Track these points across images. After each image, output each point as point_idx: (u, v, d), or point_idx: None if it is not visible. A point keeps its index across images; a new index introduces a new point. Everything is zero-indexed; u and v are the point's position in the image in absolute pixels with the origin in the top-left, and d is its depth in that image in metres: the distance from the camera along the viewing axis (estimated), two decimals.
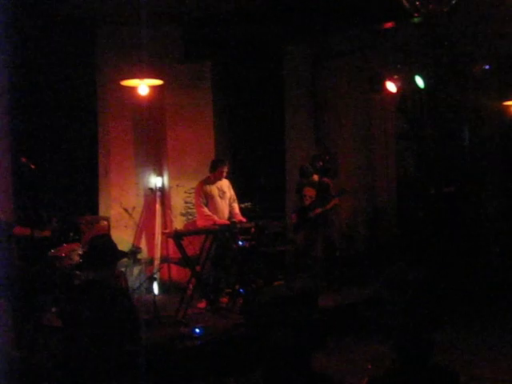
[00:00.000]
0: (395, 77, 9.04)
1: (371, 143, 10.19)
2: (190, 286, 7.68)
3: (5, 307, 3.51)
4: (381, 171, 10.16)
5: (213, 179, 8.13)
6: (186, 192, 9.39)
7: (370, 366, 5.54)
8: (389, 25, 8.70)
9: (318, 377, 3.61)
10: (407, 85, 9.20)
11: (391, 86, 9.07)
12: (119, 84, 8.19)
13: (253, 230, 7.98)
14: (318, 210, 8.75)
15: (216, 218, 7.91)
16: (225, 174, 8.14)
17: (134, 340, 4.40)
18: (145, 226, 9.50)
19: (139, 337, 4.54)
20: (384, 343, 6.30)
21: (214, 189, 8.09)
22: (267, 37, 8.85)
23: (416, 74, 9.02)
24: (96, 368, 4.03)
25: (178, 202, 9.44)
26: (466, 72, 9.33)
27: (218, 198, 8.11)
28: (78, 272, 7.27)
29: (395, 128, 10.07)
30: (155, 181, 9.54)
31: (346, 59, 9.96)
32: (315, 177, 9.03)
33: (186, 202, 9.44)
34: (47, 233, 7.41)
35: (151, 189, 9.52)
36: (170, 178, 9.45)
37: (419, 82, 9.03)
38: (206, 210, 7.96)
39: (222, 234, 7.84)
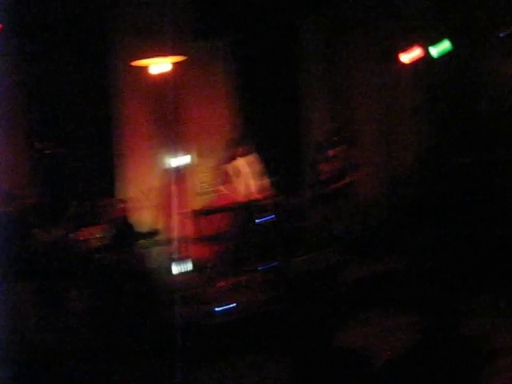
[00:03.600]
0: (411, 48, 8.92)
1: (388, 115, 10.09)
2: (210, 265, 7.70)
3: (26, 291, 3.51)
4: (399, 143, 10.07)
5: (230, 158, 8.10)
6: (203, 172, 9.36)
7: (394, 338, 5.53)
8: None
9: (344, 351, 3.60)
10: (423, 55, 9.08)
11: (407, 58, 8.96)
12: (133, 64, 8.15)
13: (271, 206, 7.95)
14: (335, 185, 8.69)
15: (234, 195, 7.90)
16: (241, 153, 8.11)
17: (156, 320, 4.41)
18: (162, 207, 9.49)
19: (161, 316, 4.56)
20: (408, 315, 6.29)
21: (231, 167, 8.08)
22: (282, 10, 8.75)
23: (432, 43, 8.89)
24: (120, 349, 4.05)
25: (195, 181, 9.42)
26: (483, 38, 9.18)
27: (236, 177, 8.10)
28: (97, 255, 7.32)
29: (412, 99, 9.95)
30: (172, 161, 9.52)
31: (361, 31, 9.84)
32: (331, 152, 8.96)
33: (203, 182, 9.41)
34: (60, 231, 7.47)
35: (168, 169, 9.51)
36: (187, 157, 9.42)
37: (435, 51, 8.91)
38: (223, 188, 7.94)
39: (241, 212, 7.83)
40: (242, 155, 8.20)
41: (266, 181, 8.72)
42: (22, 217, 7.55)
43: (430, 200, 9.57)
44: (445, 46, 8.80)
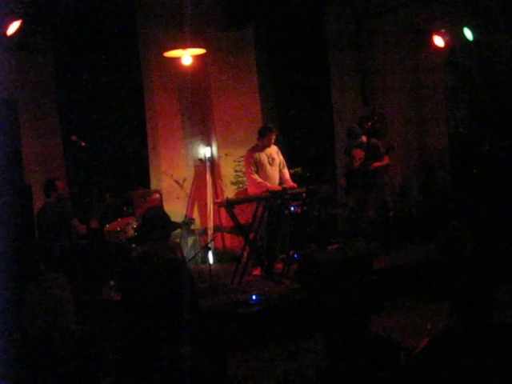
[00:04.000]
0: (442, 30, 8.77)
1: (421, 100, 9.94)
2: (245, 254, 7.73)
3: (63, 282, 3.58)
4: (432, 129, 9.92)
5: (261, 146, 8.09)
6: (235, 161, 9.39)
7: (429, 326, 5.48)
8: None
9: (376, 339, 3.60)
10: (456, 38, 8.93)
11: (439, 41, 8.82)
12: (163, 56, 8.20)
13: (304, 194, 7.93)
14: (377, 164, 8.60)
15: (268, 184, 7.91)
16: (273, 141, 8.10)
17: (192, 309, 4.45)
18: (196, 197, 9.57)
19: (197, 306, 4.60)
20: (441, 303, 6.24)
21: (263, 156, 8.06)
22: None
23: (464, 25, 8.74)
24: (155, 339, 4.11)
25: (227, 171, 9.46)
26: None
27: (268, 165, 8.08)
28: (133, 245, 7.41)
29: (445, 83, 9.79)
30: (204, 151, 9.57)
31: (390, 16, 9.68)
32: (364, 138, 8.87)
33: (236, 171, 9.44)
34: (94, 223, 7.59)
35: (200, 159, 9.57)
36: (219, 147, 9.46)
37: (468, 34, 8.76)
38: (257, 177, 7.95)
39: (274, 201, 7.83)
40: (275, 143, 8.18)
41: (297, 169, 8.70)
42: (61, 208, 7.70)
43: (465, 186, 9.45)
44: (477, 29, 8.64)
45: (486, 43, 9.39)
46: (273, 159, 8.13)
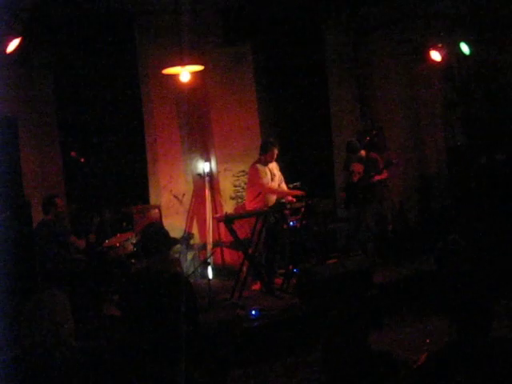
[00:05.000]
0: (439, 45, 8.83)
1: (418, 114, 10.01)
2: (244, 269, 7.72)
3: (63, 298, 3.58)
4: (429, 142, 9.98)
5: (264, 161, 8.05)
6: (234, 176, 9.40)
7: (428, 341, 5.48)
8: None
9: (375, 353, 3.60)
10: (452, 52, 8.99)
11: (436, 55, 8.87)
12: (161, 72, 8.24)
13: (303, 209, 7.95)
14: (378, 177, 8.62)
15: (286, 188, 7.97)
16: (276, 156, 8.08)
17: (192, 324, 4.45)
18: (195, 212, 9.58)
19: (197, 321, 4.60)
20: (441, 317, 6.24)
21: (267, 170, 8.05)
22: (306, 13, 8.73)
23: (461, 40, 8.80)
24: (155, 354, 4.10)
25: (226, 186, 9.47)
26: None
27: (270, 181, 8.08)
28: (133, 260, 7.41)
29: (442, 97, 9.86)
30: (203, 166, 9.59)
31: (387, 30, 9.76)
32: (363, 152, 8.91)
33: (235, 186, 9.45)
34: (93, 237, 7.57)
35: (199, 174, 9.58)
36: (218, 162, 9.48)
37: (465, 48, 8.82)
38: (272, 184, 7.96)
39: (273, 216, 7.84)
40: (276, 158, 8.17)
41: (296, 184, 8.72)
42: (58, 227, 7.67)
43: (462, 199, 9.46)
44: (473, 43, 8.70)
45: (482, 57, 9.46)
46: (274, 175, 8.14)
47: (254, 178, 8.12)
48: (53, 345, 3.43)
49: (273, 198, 8.06)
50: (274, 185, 8.09)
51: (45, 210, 7.60)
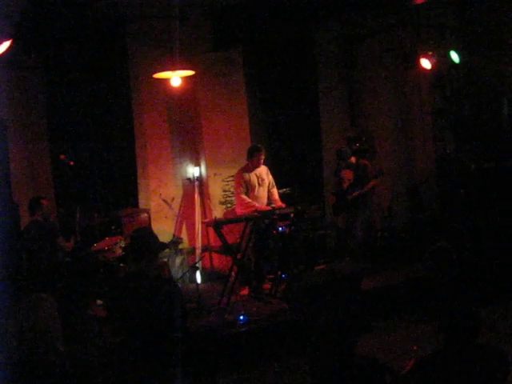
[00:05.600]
0: (429, 53, 8.88)
1: (408, 122, 10.05)
2: (232, 274, 7.71)
3: (51, 302, 3.56)
4: (419, 150, 10.01)
5: (251, 167, 8.08)
6: (223, 180, 9.41)
7: (415, 347, 5.49)
8: (421, 0, 8.56)
9: (363, 360, 3.61)
10: (442, 60, 9.04)
11: (426, 63, 8.92)
12: (152, 77, 8.24)
13: (292, 215, 7.95)
14: (356, 193, 8.68)
15: (256, 204, 7.91)
16: (262, 161, 8.10)
17: (179, 328, 4.44)
18: (185, 216, 9.56)
19: (185, 325, 4.59)
20: (428, 324, 6.26)
21: (253, 176, 8.05)
22: (298, 19, 8.74)
23: (451, 49, 8.86)
24: (142, 357, 4.09)
25: (216, 190, 9.47)
26: (502, 43, 9.12)
27: (257, 186, 8.07)
28: (121, 264, 7.39)
29: (432, 105, 9.90)
30: (193, 171, 9.59)
31: (378, 38, 9.81)
32: (352, 159, 8.93)
33: (225, 191, 9.45)
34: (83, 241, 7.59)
35: (189, 179, 9.58)
36: (207, 167, 9.48)
37: (454, 56, 8.87)
38: (246, 198, 7.96)
39: (262, 221, 7.84)
40: (264, 163, 8.20)
41: (285, 190, 8.73)
42: (48, 226, 7.66)
43: (451, 206, 9.51)
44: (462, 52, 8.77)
45: (472, 65, 9.52)
46: (262, 180, 8.14)
47: (234, 186, 8.25)
48: (40, 349, 3.42)
49: (263, 203, 8.07)
50: (260, 193, 8.09)
51: (31, 211, 7.60)
